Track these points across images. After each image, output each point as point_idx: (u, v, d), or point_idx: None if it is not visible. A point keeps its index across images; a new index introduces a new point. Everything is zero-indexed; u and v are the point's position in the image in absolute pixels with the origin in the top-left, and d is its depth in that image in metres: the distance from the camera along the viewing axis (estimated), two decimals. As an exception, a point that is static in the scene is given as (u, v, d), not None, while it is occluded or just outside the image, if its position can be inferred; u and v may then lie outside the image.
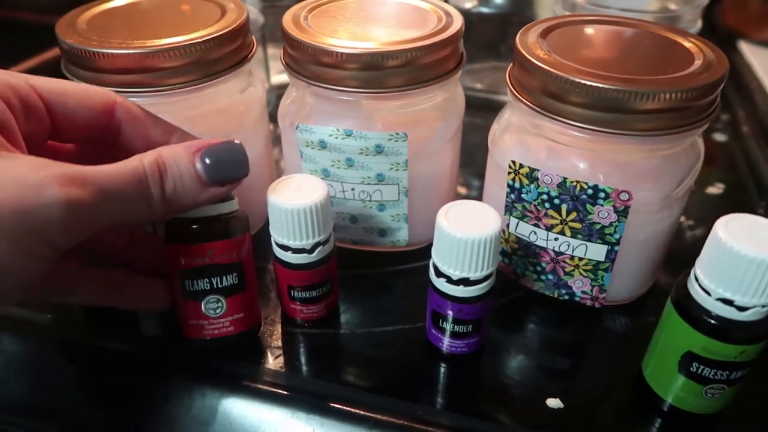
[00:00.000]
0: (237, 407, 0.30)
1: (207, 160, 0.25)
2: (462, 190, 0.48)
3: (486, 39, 0.69)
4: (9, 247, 0.20)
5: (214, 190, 0.26)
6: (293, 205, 0.29)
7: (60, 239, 0.22)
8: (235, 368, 0.32)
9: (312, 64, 0.33)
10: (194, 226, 0.28)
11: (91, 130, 0.27)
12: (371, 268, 0.39)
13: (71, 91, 0.26)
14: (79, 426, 0.31)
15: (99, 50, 0.31)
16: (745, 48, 0.70)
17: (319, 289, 0.33)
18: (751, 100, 0.61)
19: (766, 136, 0.55)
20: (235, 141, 0.26)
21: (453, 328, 0.31)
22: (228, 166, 0.26)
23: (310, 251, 0.31)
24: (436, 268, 0.30)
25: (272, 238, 0.32)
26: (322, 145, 0.35)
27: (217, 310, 0.29)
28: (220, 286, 0.29)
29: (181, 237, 0.28)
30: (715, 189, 0.49)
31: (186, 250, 0.28)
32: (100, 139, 0.28)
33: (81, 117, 0.27)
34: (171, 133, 0.29)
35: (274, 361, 0.32)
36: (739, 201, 0.48)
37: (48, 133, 0.26)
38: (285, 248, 0.31)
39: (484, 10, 0.62)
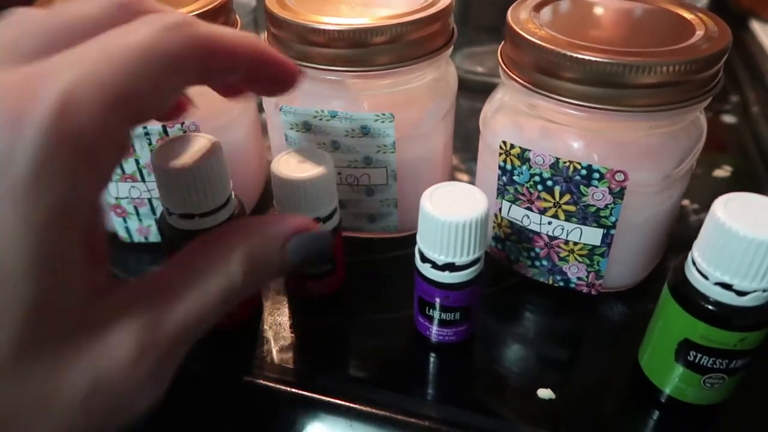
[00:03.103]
0: (218, 398, 0.29)
1: (295, 251, 0.23)
2: (462, 177, 0.46)
3: (487, 21, 0.68)
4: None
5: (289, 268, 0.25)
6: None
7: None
8: (217, 359, 0.31)
9: (295, 43, 0.32)
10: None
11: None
12: (360, 254, 0.38)
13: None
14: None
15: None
16: (757, 27, 0.67)
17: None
18: (761, 81, 0.58)
19: (777, 117, 0.53)
20: (321, 229, 0.25)
21: (440, 316, 0.29)
22: (312, 257, 0.24)
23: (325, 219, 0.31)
24: (421, 253, 0.28)
25: None
26: (307, 127, 0.34)
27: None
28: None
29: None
30: (723, 172, 0.47)
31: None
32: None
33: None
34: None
35: (254, 352, 0.31)
36: (747, 184, 0.46)
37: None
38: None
39: (485, -9, 0.60)
